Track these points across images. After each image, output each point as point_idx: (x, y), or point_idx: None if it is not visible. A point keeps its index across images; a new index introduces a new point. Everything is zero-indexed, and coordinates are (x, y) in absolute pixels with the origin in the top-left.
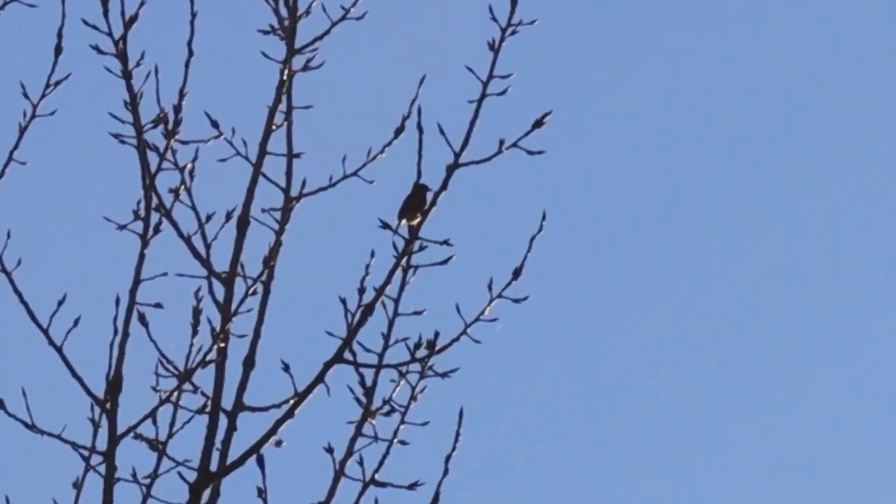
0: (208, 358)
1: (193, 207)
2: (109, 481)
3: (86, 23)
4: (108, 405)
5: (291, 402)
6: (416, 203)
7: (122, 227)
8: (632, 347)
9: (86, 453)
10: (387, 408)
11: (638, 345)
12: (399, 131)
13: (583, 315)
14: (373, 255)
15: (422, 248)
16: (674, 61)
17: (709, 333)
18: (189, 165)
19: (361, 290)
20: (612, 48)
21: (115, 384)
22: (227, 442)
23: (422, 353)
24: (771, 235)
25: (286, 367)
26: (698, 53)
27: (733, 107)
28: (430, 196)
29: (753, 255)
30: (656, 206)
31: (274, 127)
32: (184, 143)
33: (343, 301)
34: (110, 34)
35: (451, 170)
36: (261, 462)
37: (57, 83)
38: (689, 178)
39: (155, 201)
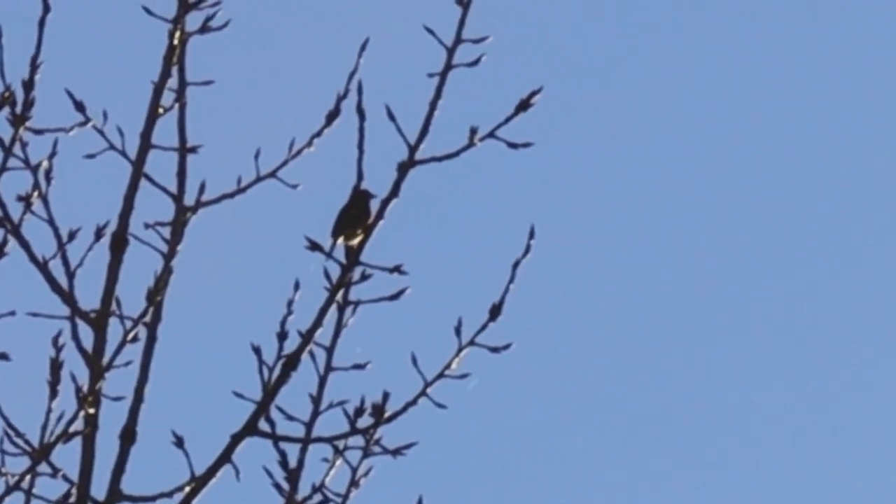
0: (72, 429)
1: (51, 221)
2: None
3: None
4: None
5: (187, 489)
6: (357, 215)
7: None
8: (641, 410)
9: None
10: (318, 497)
11: (649, 409)
12: (332, 116)
13: (581, 367)
14: (297, 286)
15: (364, 278)
16: (684, 30)
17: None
18: (45, 163)
19: (282, 336)
20: (614, 6)
21: None
22: None
23: (365, 421)
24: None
25: (179, 442)
26: (708, 27)
27: (749, 93)
28: (375, 205)
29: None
30: (675, 213)
31: (161, 111)
32: (37, 132)
33: (257, 350)
34: None
35: (404, 169)
36: None
37: None
38: (710, 178)
39: None
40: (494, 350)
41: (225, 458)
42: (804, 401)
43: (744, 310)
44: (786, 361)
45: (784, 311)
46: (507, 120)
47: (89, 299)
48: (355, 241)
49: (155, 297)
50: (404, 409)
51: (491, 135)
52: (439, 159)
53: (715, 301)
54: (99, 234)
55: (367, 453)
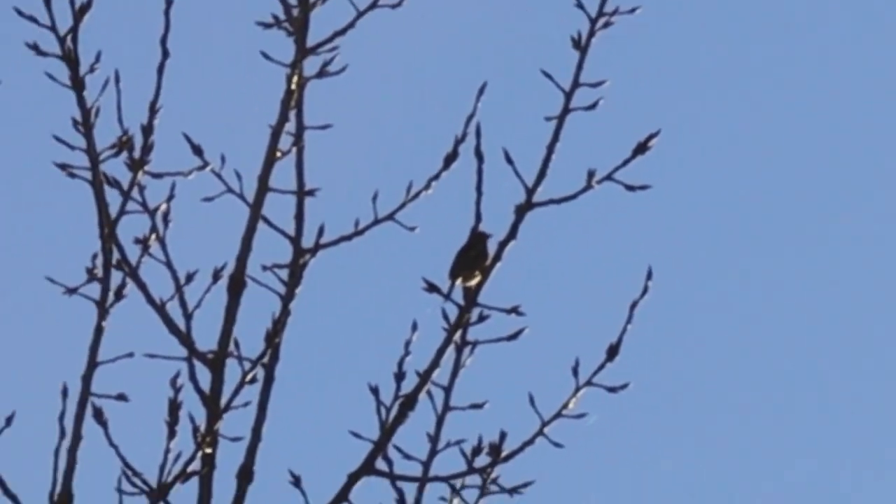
0: (190, 469)
1: (168, 264)
2: None
3: (20, 13)
4: None
5: None
6: (475, 257)
7: (71, 292)
8: (757, 447)
9: None
10: None
11: (766, 446)
12: (450, 159)
13: (698, 407)
14: (415, 327)
15: (482, 318)
16: (796, 72)
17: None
18: (163, 207)
19: (400, 376)
20: (731, 41)
21: None
22: None
23: (483, 460)
24: None
25: (297, 481)
26: (822, 65)
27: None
28: (492, 247)
29: None
30: (793, 253)
31: (278, 154)
32: (156, 176)
33: (374, 390)
34: (53, 28)
35: (522, 211)
36: None
37: None
38: (829, 217)
39: (116, 256)
40: (612, 390)
41: (342, 497)
42: None
43: (866, 357)
44: None
45: None
46: (625, 163)
47: (207, 341)
48: (473, 283)
49: (273, 338)
50: (521, 448)
51: (608, 177)
52: (557, 202)
53: (835, 344)
54: (216, 277)
55: (484, 492)
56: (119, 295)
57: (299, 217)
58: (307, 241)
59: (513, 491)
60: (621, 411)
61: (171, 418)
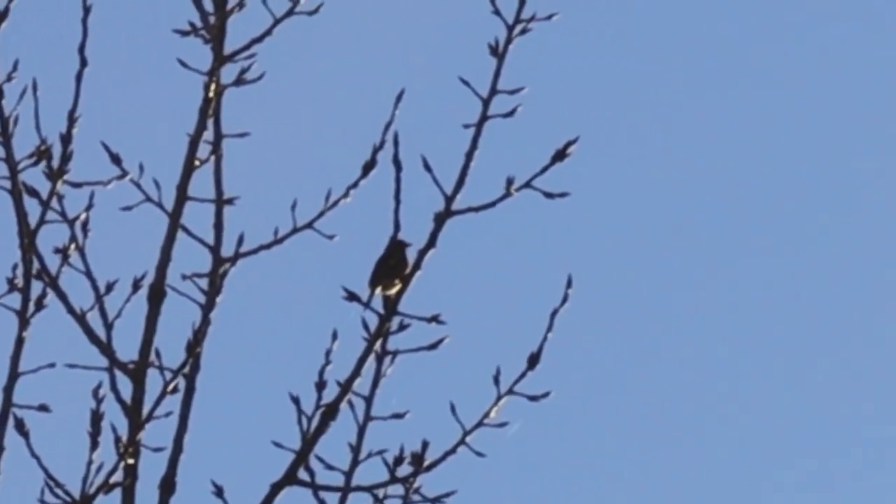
0: (113, 480)
1: (88, 274)
2: None
3: None
4: None
5: None
6: (394, 265)
7: None
8: (681, 459)
9: None
10: None
11: (690, 457)
12: (369, 167)
13: (618, 416)
14: (335, 336)
15: (402, 328)
16: (720, 77)
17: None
18: (82, 216)
19: (321, 385)
20: (649, 48)
21: None
22: None
23: (405, 470)
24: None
25: (219, 492)
26: (746, 71)
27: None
28: (412, 255)
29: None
30: (718, 259)
31: (197, 163)
32: (75, 185)
33: (295, 400)
34: None
35: (441, 219)
36: None
37: None
38: (751, 224)
39: (36, 266)
40: (533, 398)
41: None
42: None
43: (797, 356)
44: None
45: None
46: (544, 170)
47: (128, 351)
48: (393, 292)
49: (194, 348)
50: (443, 457)
51: (527, 185)
52: (476, 209)
53: (759, 350)
54: (136, 286)
55: (406, 502)
56: (39, 305)
57: (218, 226)
58: (227, 250)
59: (435, 501)
60: (543, 420)
61: (93, 429)
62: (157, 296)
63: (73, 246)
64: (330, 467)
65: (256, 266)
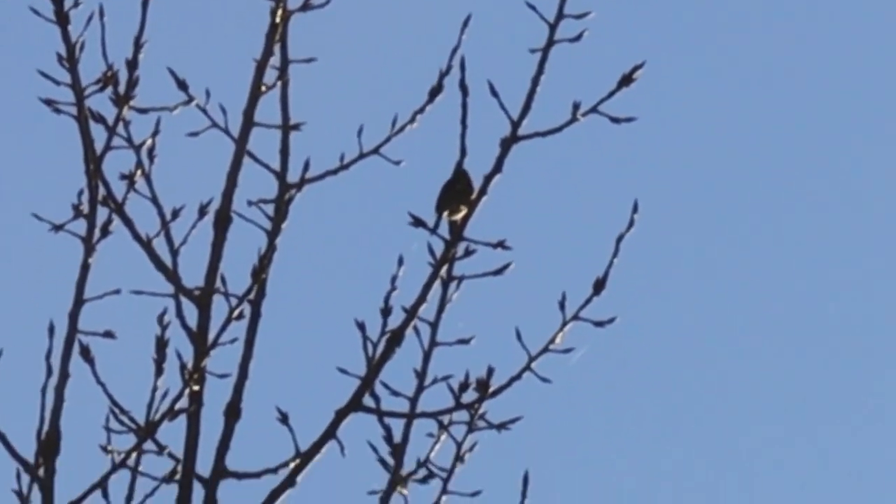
0: (178, 406)
1: (154, 200)
2: None
3: None
4: (40, 471)
5: (292, 465)
6: (461, 191)
7: (57, 228)
8: (746, 386)
9: None
10: (423, 472)
11: (758, 388)
12: (435, 92)
13: (685, 342)
14: (401, 262)
15: (468, 253)
16: (790, 7)
17: (839, 385)
18: (148, 142)
19: (386, 312)
20: None
21: (49, 443)
22: None
23: (470, 396)
24: None
25: (284, 418)
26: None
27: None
28: (478, 181)
29: None
30: (785, 190)
31: (263, 89)
32: (141, 111)
33: (361, 326)
34: None
35: (507, 145)
36: None
37: None
38: (827, 160)
39: (102, 192)
40: (598, 324)
41: (330, 433)
42: None
43: (861, 291)
44: None
45: None
46: (610, 95)
47: (193, 277)
48: (459, 217)
49: (259, 274)
50: (509, 383)
51: (594, 110)
52: (542, 134)
53: (831, 279)
54: (202, 212)
55: (471, 428)
56: (105, 231)
57: (284, 152)
58: (293, 176)
59: (501, 427)
60: (608, 346)
61: (158, 355)
62: (223, 222)
63: (139, 172)
64: (395, 393)
65: (322, 192)
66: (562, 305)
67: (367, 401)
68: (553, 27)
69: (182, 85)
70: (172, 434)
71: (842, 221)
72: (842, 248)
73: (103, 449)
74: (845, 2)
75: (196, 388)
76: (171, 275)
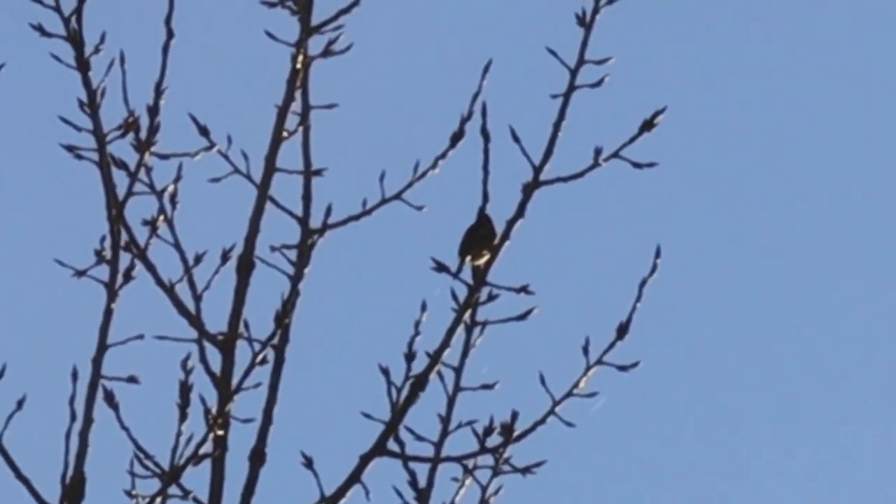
0: (202, 451)
1: (177, 245)
2: None
3: None
4: None
5: None
6: (483, 236)
7: (80, 274)
8: (772, 429)
9: None
10: None
11: (779, 427)
12: (457, 138)
13: (708, 386)
14: (424, 307)
15: (491, 298)
16: (807, 47)
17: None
18: (170, 188)
19: (410, 356)
20: (737, 16)
21: (74, 488)
22: None
23: (494, 440)
24: None
25: (309, 463)
26: (833, 41)
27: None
28: (500, 226)
29: None
30: (808, 231)
31: (285, 134)
32: (163, 157)
33: (385, 371)
34: (58, 9)
35: (529, 190)
36: None
37: None
38: (841, 190)
39: (125, 237)
40: (622, 368)
41: (355, 478)
42: None
43: (876, 332)
44: None
45: None
46: (632, 140)
47: (216, 322)
48: (482, 262)
49: (283, 319)
50: (533, 427)
51: (615, 155)
52: (564, 180)
53: (848, 320)
54: (225, 258)
55: (496, 472)
56: (128, 277)
57: (307, 197)
58: (315, 222)
59: (525, 471)
60: (632, 390)
61: (182, 400)
62: (245, 267)
63: (161, 218)
64: (419, 438)
65: (345, 237)
66: (585, 350)
67: (392, 445)
68: (574, 72)
69: (203, 131)
70: (197, 479)
71: (864, 267)
72: (863, 294)
73: (128, 494)
74: (861, 43)
75: (220, 432)
76: (195, 320)
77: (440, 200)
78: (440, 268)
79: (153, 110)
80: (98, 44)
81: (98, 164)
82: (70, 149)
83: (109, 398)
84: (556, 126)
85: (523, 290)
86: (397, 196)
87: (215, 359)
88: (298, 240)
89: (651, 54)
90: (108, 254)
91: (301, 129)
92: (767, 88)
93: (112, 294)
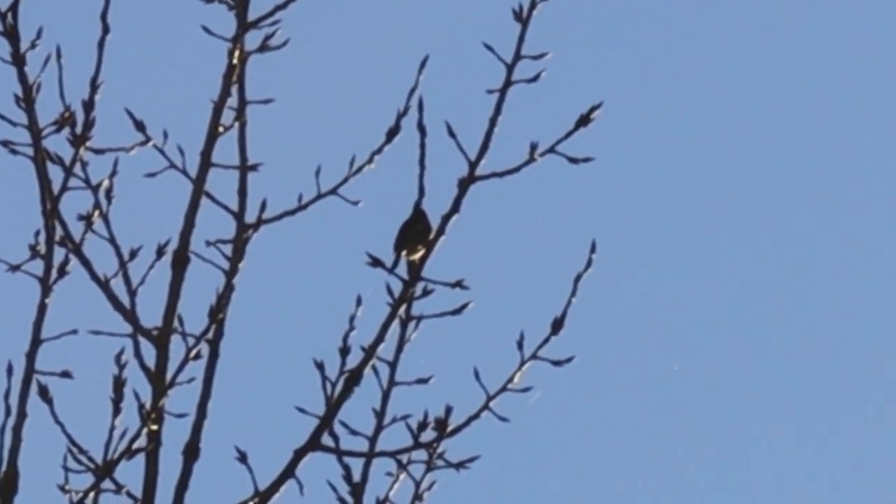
0: (136, 445)
1: (112, 240)
2: None
3: None
4: None
5: None
6: (419, 231)
7: (14, 269)
8: (702, 423)
9: None
10: None
11: (709, 422)
12: (393, 133)
13: (641, 381)
14: (359, 302)
15: (426, 293)
16: (743, 41)
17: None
18: (106, 183)
19: (344, 351)
20: (672, 10)
21: (7, 483)
22: None
23: (428, 435)
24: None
25: (242, 457)
26: (770, 36)
27: (822, 96)
28: (435, 221)
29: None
30: (741, 225)
31: (221, 129)
32: (98, 152)
33: (320, 365)
34: None
35: (465, 185)
36: None
37: None
38: (774, 189)
39: (59, 232)
40: (556, 363)
41: (289, 473)
42: None
43: (794, 326)
44: None
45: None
46: (568, 135)
47: (151, 317)
48: (417, 257)
49: (217, 314)
50: (467, 422)
51: (551, 150)
52: (500, 175)
53: (777, 318)
54: (160, 253)
55: (430, 467)
56: (62, 272)
57: (242, 192)
58: (250, 217)
59: (459, 465)
60: (566, 385)
61: (116, 395)
62: (180, 262)
63: (96, 212)
64: (354, 433)
65: (280, 232)
66: (520, 345)
67: (326, 440)
68: (510, 68)
69: (139, 126)
70: (131, 474)
71: (806, 262)
72: (810, 291)
73: (61, 489)
74: (808, 35)
75: (154, 427)
76: (129, 315)
77: (376, 196)
78: (375, 263)
79: (89, 105)
80: (34, 39)
81: (33, 158)
82: (5, 144)
83: (43, 393)
84: (493, 121)
85: (458, 284)
86: (333, 191)
87: (150, 354)
88: (234, 235)
89: (587, 50)
90: (42, 248)
91: (237, 124)
92: (703, 82)
93: (46, 289)
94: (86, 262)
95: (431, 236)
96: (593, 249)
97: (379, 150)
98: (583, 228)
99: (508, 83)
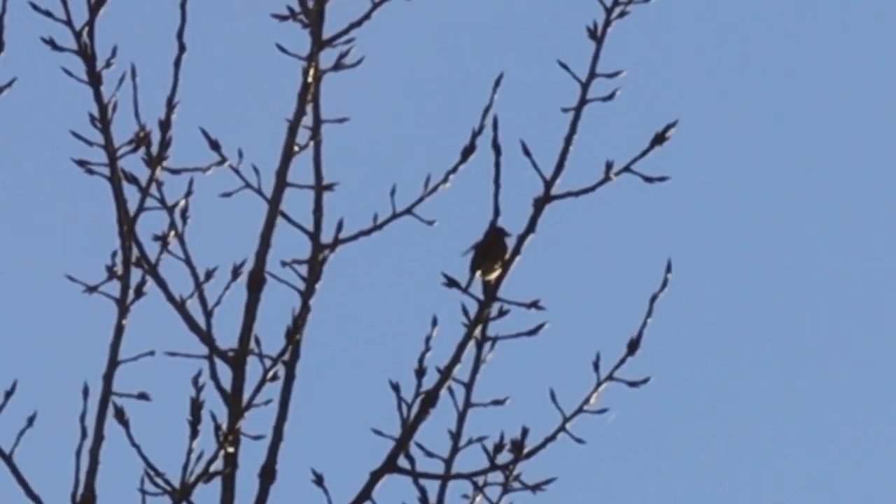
0: (212, 468)
1: (188, 261)
2: None
3: (35, 7)
4: None
5: None
6: (494, 251)
7: (91, 290)
8: (781, 443)
9: None
10: None
11: (788, 441)
12: (468, 152)
13: (719, 401)
14: (434, 322)
15: (502, 313)
16: (820, 58)
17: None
18: (181, 203)
19: (420, 372)
20: (748, 29)
21: None
22: None
23: (505, 457)
24: None
25: (319, 480)
26: (849, 52)
27: None
28: (511, 241)
29: None
30: (822, 245)
31: (296, 149)
32: (174, 172)
33: (395, 387)
34: (69, 23)
35: (540, 204)
36: None
37: None
38: (856, 204)
39: (136, 253)
40: (633, 384)
41: (365, 495)
42: None
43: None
44: None
45: None
46: (643, 154)
47: (227, 338)
48: (492, 277)
49: (294, 335)
50: (543, 444)
51: (627, 169)
52: (575, 194)
53: (862, 336)
54: (236, 273)
55: (506, 489)
56: (139, 293)
57: (318, 212)
58: (326, 237)
59: (535, 487)
60: (643, 406)
61: (192, 417)
62: (256, 283)
63: (172, 233)
64: (430, 454)
65: (356, 252)
66: (596, 366)
67: (402, 462)
68: (585, 86)
69: (215, 145)
70: (207, 496)
71: (879, 282)
72: (880, 309)
73: None
74: (869, 60)
75: (231, 449)
76: (205, 336)
77: (451, 215)
78: (451, 283)
79: (165, 125)
80: (109, 58)
81: (109, 178)
82: (81, 163)
83: (120, 415)
84: (568, 140)
85: (534, 305)
86: (408, 211)
87: (226, 375)
88: (309, 255)
89: (662, 68)
90: (119, 269)
91: (312, 143)
92: (781, 101)
93: (123, 310)
94: (161, 283)
95: (507, 256)
96: (669, 269)
97: (454, 170)
98: (658, 248)
99: (583, 101)
